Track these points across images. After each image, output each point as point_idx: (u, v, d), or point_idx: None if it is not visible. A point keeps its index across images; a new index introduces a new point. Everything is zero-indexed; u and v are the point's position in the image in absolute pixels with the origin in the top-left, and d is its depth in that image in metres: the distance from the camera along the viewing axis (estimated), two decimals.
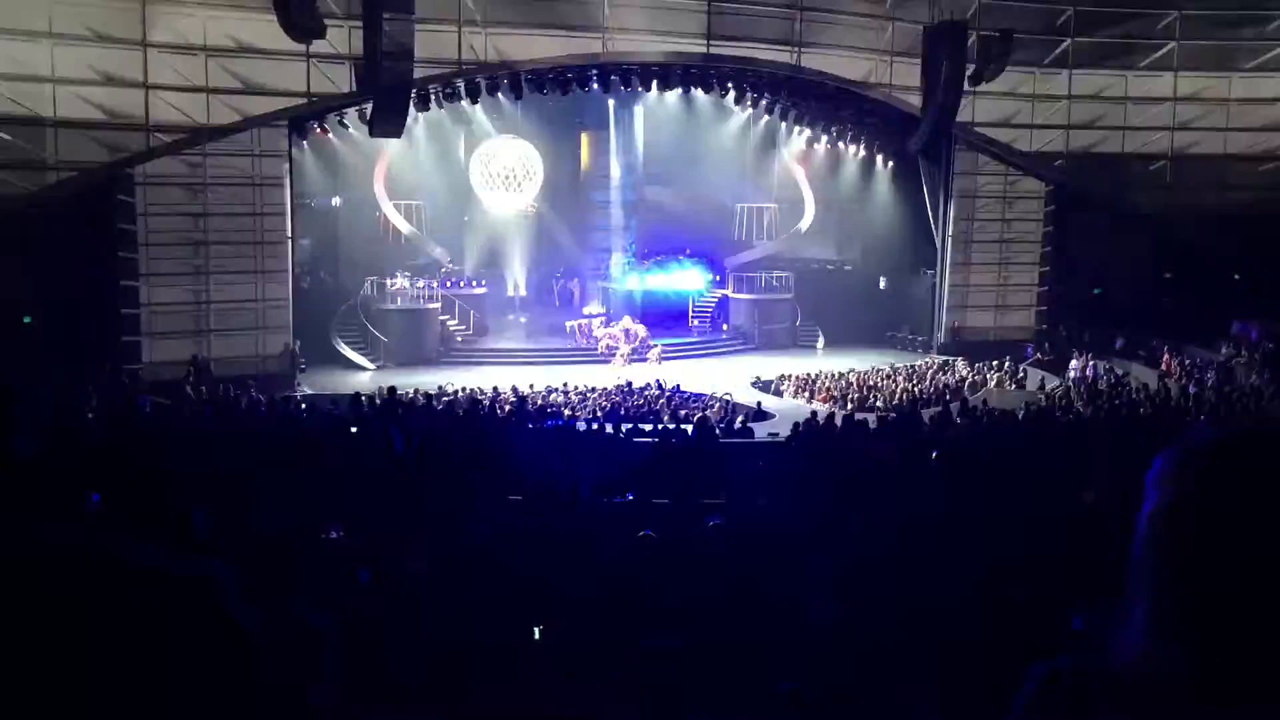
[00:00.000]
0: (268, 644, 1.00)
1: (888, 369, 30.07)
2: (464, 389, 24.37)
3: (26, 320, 22.28)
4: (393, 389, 17.03)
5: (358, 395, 17.96)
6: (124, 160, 24.20)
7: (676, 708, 4.41)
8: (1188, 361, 27.25)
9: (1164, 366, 27.40)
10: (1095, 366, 27.92)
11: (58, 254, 22.51)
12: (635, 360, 31.08)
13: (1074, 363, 28.36)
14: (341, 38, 25.01)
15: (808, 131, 36.18)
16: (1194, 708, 1.20)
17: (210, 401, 18.09)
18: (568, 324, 34.04)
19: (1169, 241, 29.92)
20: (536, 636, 4.70)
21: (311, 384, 27.00)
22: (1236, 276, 29.23)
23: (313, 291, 32.06)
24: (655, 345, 32.09)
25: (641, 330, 32.43)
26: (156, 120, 24.22)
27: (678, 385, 26.52)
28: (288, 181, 26.91)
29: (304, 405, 19.97)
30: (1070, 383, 26.99)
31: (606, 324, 33.57)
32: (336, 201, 35.26)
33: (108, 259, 24.23)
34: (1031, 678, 1.32)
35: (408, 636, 4.92)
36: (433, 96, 28.48)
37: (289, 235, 27.11)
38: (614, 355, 31.60)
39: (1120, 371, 27.46)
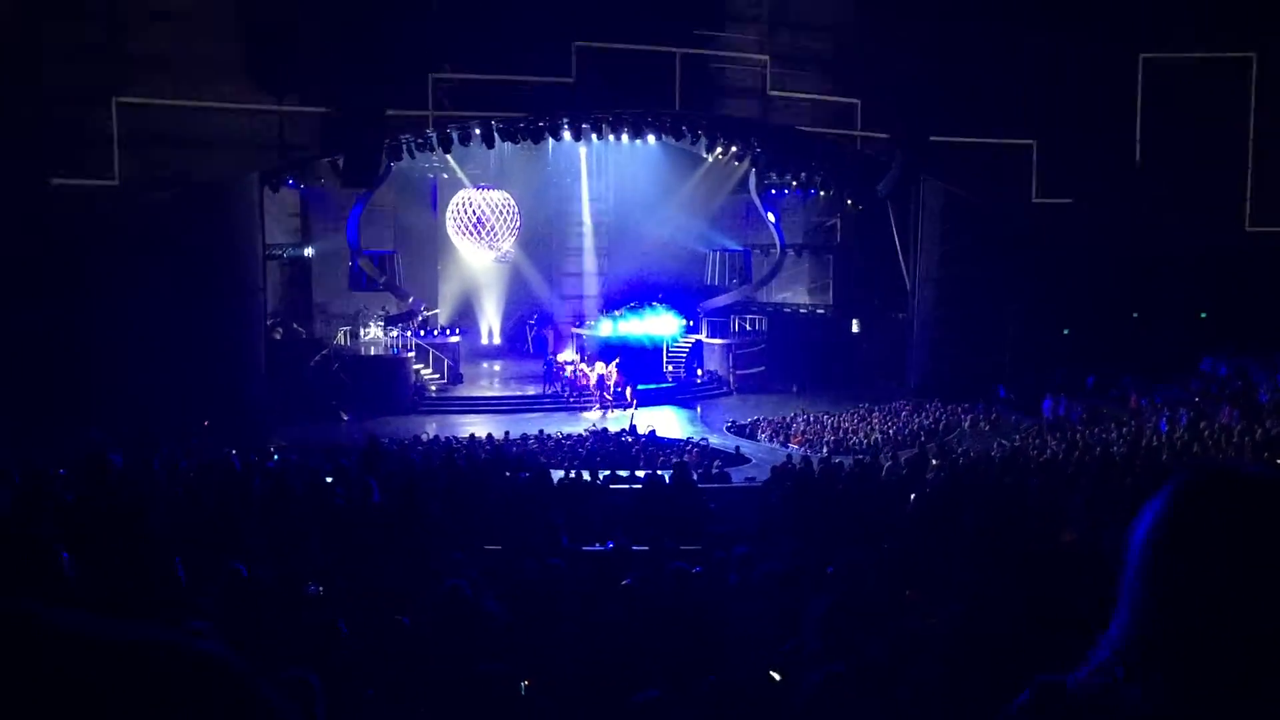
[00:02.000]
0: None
1: (862, 412, 30.20)
2: (439, 438, 24.24)
3: None
4: (373, 438, 16.91)
5: (335, 446, 17.83)
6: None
7: None
8: (1159, 400, 27.48)
9: (1131, 405, 27.63)
10: (1067, 406, 28.12)
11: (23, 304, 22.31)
12: (614, 406, 31.09)
13: (1046, 402, 28.56)
14: (314, 88, 25.10)
15: (778, 176, 36.50)
16: None
17: (184, 455, 17.87)
18: (560, 357, 34.17)
19: (1137, 281, 30.23)
20: (523, 692, 4.64)
21: (285, 436, 26.75)
22: (1203, 315, 29.58)
23: (285, 342, 31.92)
24: (628, 388, 32.10)
25: (614, 374, 32.37)
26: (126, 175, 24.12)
27: (653, 431, 26.50)
28: (259, 233, 26.86)
29: (277, 457, 19.78)
30: (1043, 422, 27.17)
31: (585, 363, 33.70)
32: (309, 252, 35.19)
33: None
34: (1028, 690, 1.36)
35: (390, 691, 4.86)
36: (405, 146, 28.57)
37: (261, 286, 27.00)
38: (590, 397, 31.65)
39: (1092, 411, 27.66)
